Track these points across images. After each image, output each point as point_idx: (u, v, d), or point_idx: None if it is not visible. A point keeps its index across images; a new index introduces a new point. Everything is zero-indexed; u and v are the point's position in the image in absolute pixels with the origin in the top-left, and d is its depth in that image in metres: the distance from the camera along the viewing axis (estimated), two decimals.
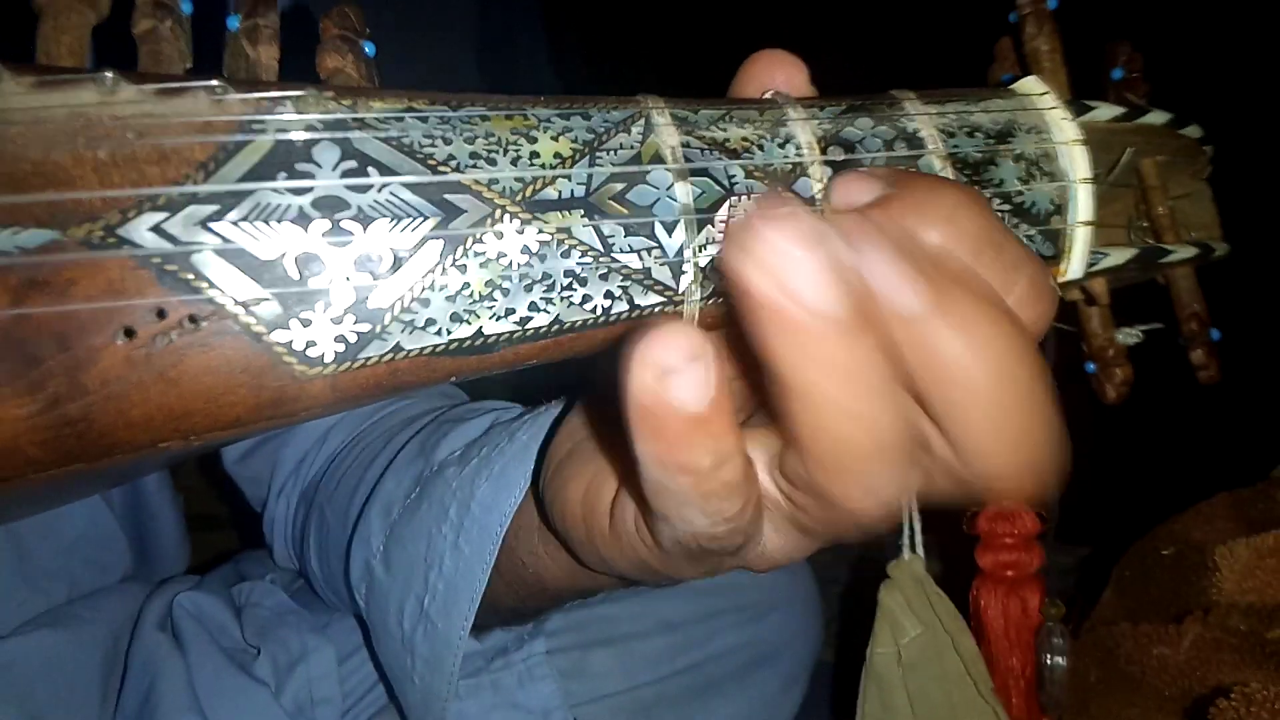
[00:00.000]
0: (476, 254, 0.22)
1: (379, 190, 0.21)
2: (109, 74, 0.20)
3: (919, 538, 0.39)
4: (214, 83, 0.20)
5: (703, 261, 0.24)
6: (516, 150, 0.22)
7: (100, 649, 0.48)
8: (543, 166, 0.22)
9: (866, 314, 0.19)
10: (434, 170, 0.21)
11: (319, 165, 0.20)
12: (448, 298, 0.22)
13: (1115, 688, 0.61)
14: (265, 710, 0.51)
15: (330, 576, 0.54)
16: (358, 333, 0.21)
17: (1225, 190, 0.36)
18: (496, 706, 0.56)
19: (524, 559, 0.38)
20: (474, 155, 0.22)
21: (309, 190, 0.20)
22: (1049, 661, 0.39)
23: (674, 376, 0.19)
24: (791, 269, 0.18)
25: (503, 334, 0.22)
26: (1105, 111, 0.31)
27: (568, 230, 0.22)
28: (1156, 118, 0.33)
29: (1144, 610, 0.66)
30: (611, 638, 0.59)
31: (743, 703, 0.63)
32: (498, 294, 0.22)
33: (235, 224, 0.20)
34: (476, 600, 0.41)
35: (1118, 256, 0.30)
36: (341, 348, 0.21)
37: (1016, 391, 0.21)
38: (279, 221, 0.20)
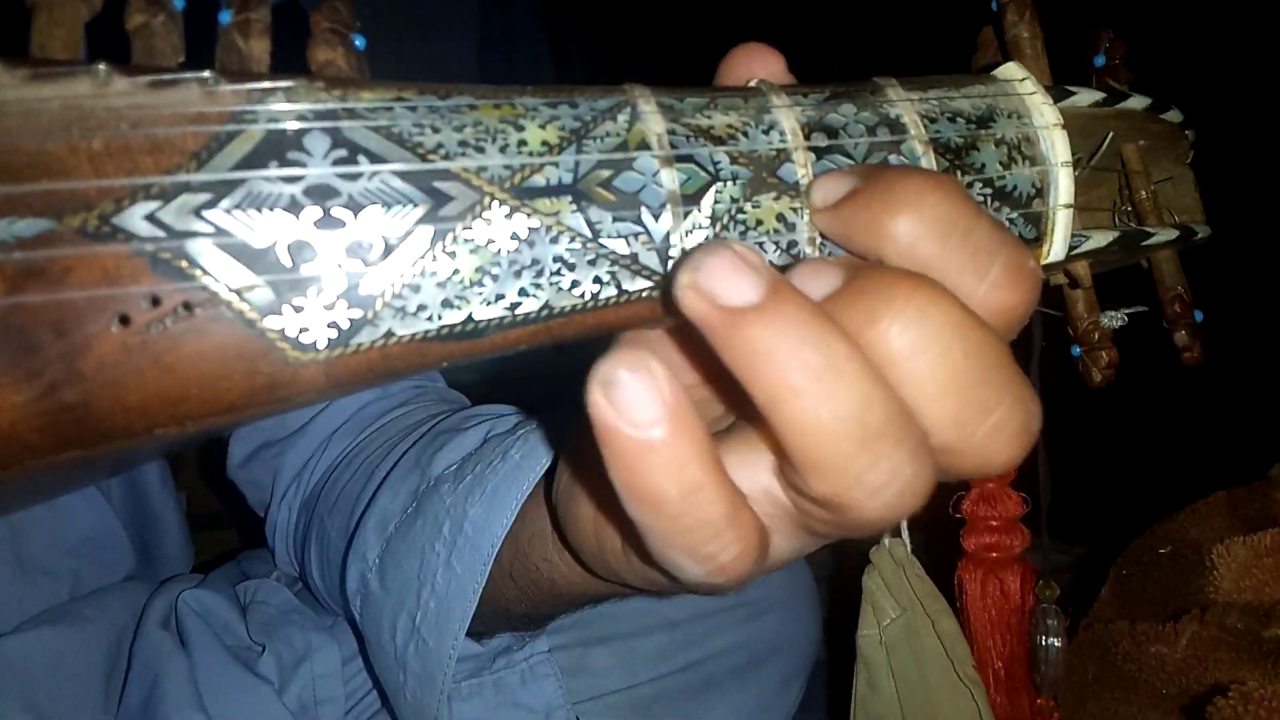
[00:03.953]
0: (466, 240, 0.22)
1: (369, 178, 0.21)
2: (102, 66, 0.20)
3: (903, 521, 0.40)
4: (206, 74, 0.21)
5: (689, 246, 0.24)
6: (504, 138, 0.23)
7: (103, 646, 0.48)
8: (530, 154, 0.23)
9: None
10: (423, 158, 0.22)
11: (310, 154, 0.21)
12: (438, 284, 0.22)
13: (1112, 686, 0.61)
14: (268, 708, 0.51)
15: (331, 586, 0.54)
16: (350, 319, 0.21)
17: (1208, 174, 0.37)
18: (499, 706, 0.56)
19: (538, 565, 0.39)
20: (462, 143, 0.22)
21: (300, 178, 0.21)
22: (1044, 642, 0.39)
23: (616, 389, 0.19)
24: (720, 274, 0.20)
25: (493, 319, 0.22)
26: (1086, 96, 0.32)
27: (556, 216, 0.23)
28: (1137, 103, 0.33)
29: (1141, 609, 0.66)
30: (612, 635, 0.60)
31: (741, 701, 0.63)
32: (487, 280, 0.22)
33: (228, 212, 0.20)
34: (467, 619, 0.41)
35: (1100, 239, 0.31)
36: (334, 334, 0.21)
37: (963, 363, 0.21)
38: (271, 209, 0.20)
